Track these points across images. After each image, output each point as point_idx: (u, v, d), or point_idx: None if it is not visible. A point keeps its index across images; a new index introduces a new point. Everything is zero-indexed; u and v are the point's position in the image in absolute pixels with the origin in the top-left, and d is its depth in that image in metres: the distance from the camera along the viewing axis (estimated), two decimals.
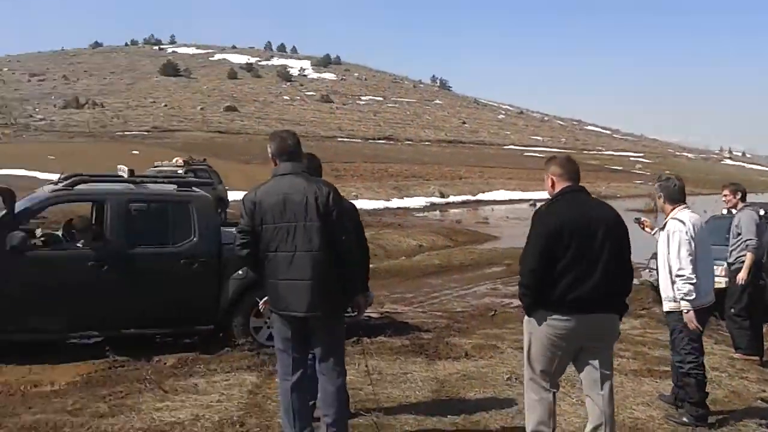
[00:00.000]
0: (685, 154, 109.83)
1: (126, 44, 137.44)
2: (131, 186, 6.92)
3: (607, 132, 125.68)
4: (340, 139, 65.69)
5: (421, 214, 31.82)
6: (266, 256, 3.84)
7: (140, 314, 6.44)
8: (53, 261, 6.32)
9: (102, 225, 6.51)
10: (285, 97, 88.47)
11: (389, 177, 42.55)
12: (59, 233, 6.90)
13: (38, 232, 6.69)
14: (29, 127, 53.32)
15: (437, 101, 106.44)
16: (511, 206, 37.34)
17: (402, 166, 47.29)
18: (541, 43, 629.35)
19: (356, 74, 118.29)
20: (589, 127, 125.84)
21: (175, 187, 7.00)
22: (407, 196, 37.97)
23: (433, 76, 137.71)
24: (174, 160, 19.94)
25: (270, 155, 3.97)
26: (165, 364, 6.06)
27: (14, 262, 6.01)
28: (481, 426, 4.59)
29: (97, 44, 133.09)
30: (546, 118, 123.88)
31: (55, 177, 26.67)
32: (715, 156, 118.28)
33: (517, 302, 5.81)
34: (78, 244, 6.57)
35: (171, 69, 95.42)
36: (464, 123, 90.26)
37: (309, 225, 3.76)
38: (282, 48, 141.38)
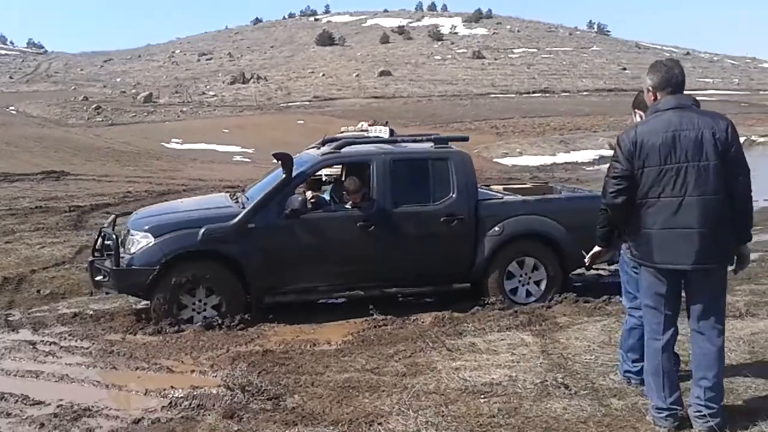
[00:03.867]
0: None
1: (284, 17, 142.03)
2: (390, 146, 7.10)
3: None
4: (493, 95, 64.55)
5: (591, 168, 30.75)
6: (644, 203, 3.54)
7: (403, 273, 6.74)
8: (325, 223, 6.63)
9: (368, 185, 6.72)
10: (437, 57, 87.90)
11: (552, 131, 41.29)
12: (325, 196, 7.24)
13: (308, 194, 7.03)
14: (203, 103, 57.11)
15: (595, 48, 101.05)
16: None
17: (563, 119, 45.71)
18: None
19: (508, 27, 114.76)
20: (766, 65, 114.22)
21: (432, 144, 7.09)
22: (574, 150, 36.69)
23: (590, 21, 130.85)
24: (359, 125, 20.66)
25: (648, 89, 3.66)
26: (423, 322, 6.25)
27: (290, 224, 6.40)
28: None
29: (257, 20, 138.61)
30: (716, 58, 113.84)
31: (231, 149, 29.25)
32: None
33: None
34: (347, 206, 6.83)
35: (326, 38, 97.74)
36: (625, 69, 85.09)
37: (704, 165, 3.42)
38: (432, 7, 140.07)
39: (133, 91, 65.07)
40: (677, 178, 3.45)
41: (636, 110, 4.15)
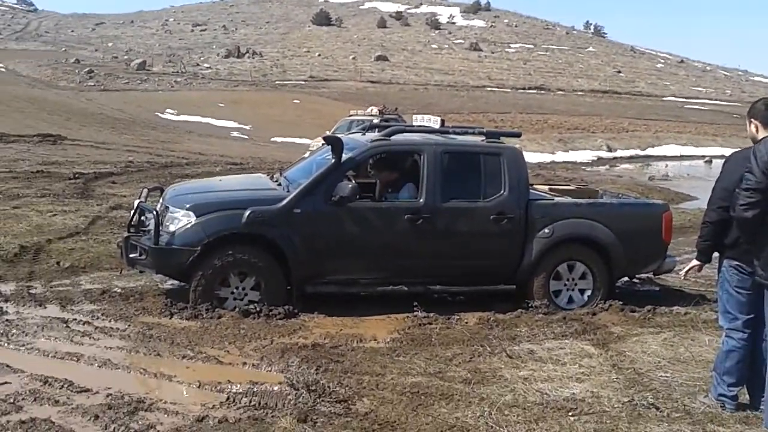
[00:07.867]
0: None
1: None
2: (441, 137, 6.77)
3: None
4: (489, 89, 64.32)
5: (590, 169, 30.69)
6: None
7: (449, 270, 6.46)
8: (372, 213, 6.29)
9: (417, 177, 6.38)
10: (433, 46, 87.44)
11: (550, 129, 41.24)
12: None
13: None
14: (197, 75, 56.26)
15: (591, 49, 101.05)
16: (685, 163, 35.23)
17: (561, 118, 45.62)
18: None
19: (506, 21, 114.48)
20: (757, 78, 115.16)
21: (484, 138, 6.83)
22: (572, 149, 36.79)
23: (587, 22, 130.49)
24: (369, 110, 20.40)
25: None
26: (468, 323, 6.02)
27: (336, 212, 6.09)
28: None
29: None
30: (708, 68, 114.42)
31: (227, 124, 29.22)
32: None
33: None
34: (396, 196, 6.52)
35: (323, 18, 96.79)
36: (620, 72, 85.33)
37: None
38: None
39: (126, 57, 63.90)
40: None
41: (752, 119, 3.87)
